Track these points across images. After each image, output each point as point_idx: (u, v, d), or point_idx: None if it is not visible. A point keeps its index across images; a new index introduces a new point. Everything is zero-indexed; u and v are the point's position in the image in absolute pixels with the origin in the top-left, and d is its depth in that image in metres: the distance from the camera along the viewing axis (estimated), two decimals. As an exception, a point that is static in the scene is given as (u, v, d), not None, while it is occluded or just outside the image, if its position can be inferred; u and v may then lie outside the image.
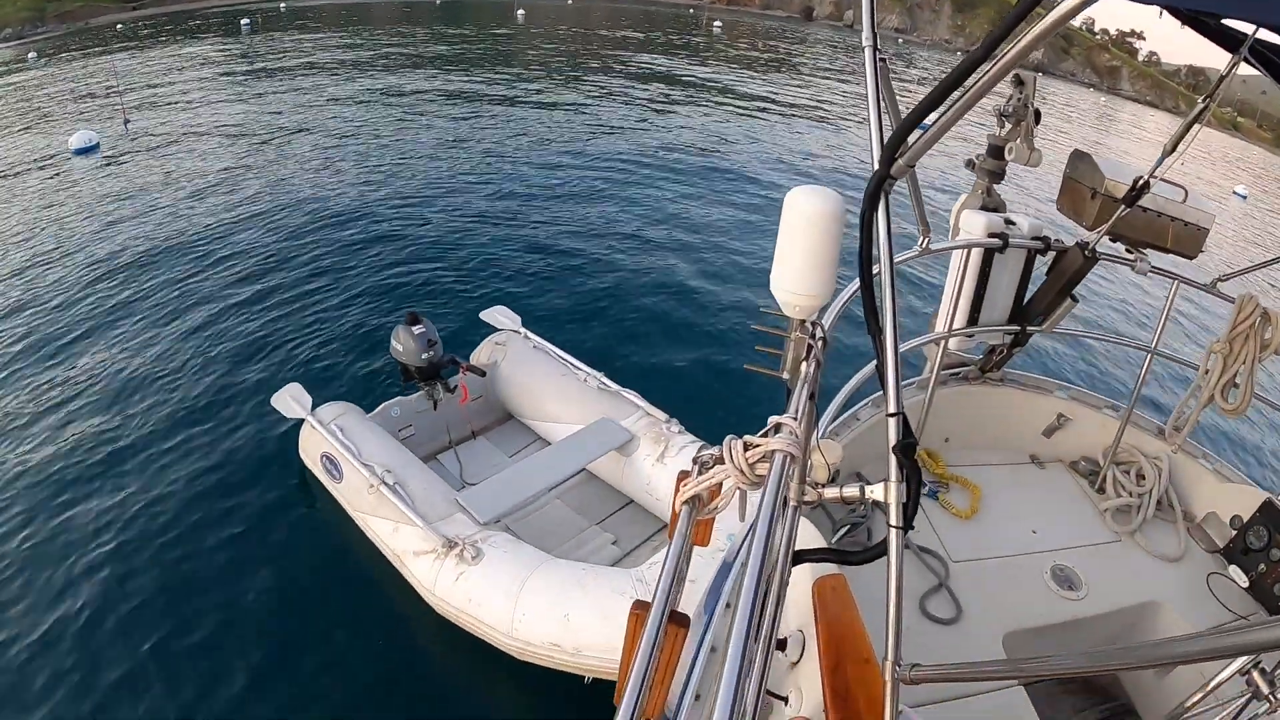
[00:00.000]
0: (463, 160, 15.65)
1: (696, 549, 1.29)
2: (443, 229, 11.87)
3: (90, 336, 8.69)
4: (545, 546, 4.77)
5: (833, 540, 2.86)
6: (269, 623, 4.95)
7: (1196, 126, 2.78)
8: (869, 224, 1.37)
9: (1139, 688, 2.87)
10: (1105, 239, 3.19)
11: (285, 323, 8.90)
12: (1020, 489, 3.42)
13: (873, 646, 1.64)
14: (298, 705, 4.46)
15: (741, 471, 1.18)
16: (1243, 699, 1.64)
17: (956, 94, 1.22)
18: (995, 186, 3.43)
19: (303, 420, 5.64)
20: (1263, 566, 2.92)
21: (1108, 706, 2.87)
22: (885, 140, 1.36)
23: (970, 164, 3.46)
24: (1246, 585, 2.95)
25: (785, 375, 1.55)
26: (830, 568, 1.93)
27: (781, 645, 1.88)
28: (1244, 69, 2.66)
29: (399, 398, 6.02)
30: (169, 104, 20.35)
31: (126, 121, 17.64)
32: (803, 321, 1.50)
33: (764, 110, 24.30)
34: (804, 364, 1.51)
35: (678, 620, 1.06)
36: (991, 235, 3.12)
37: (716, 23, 58.11)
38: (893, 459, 1.28)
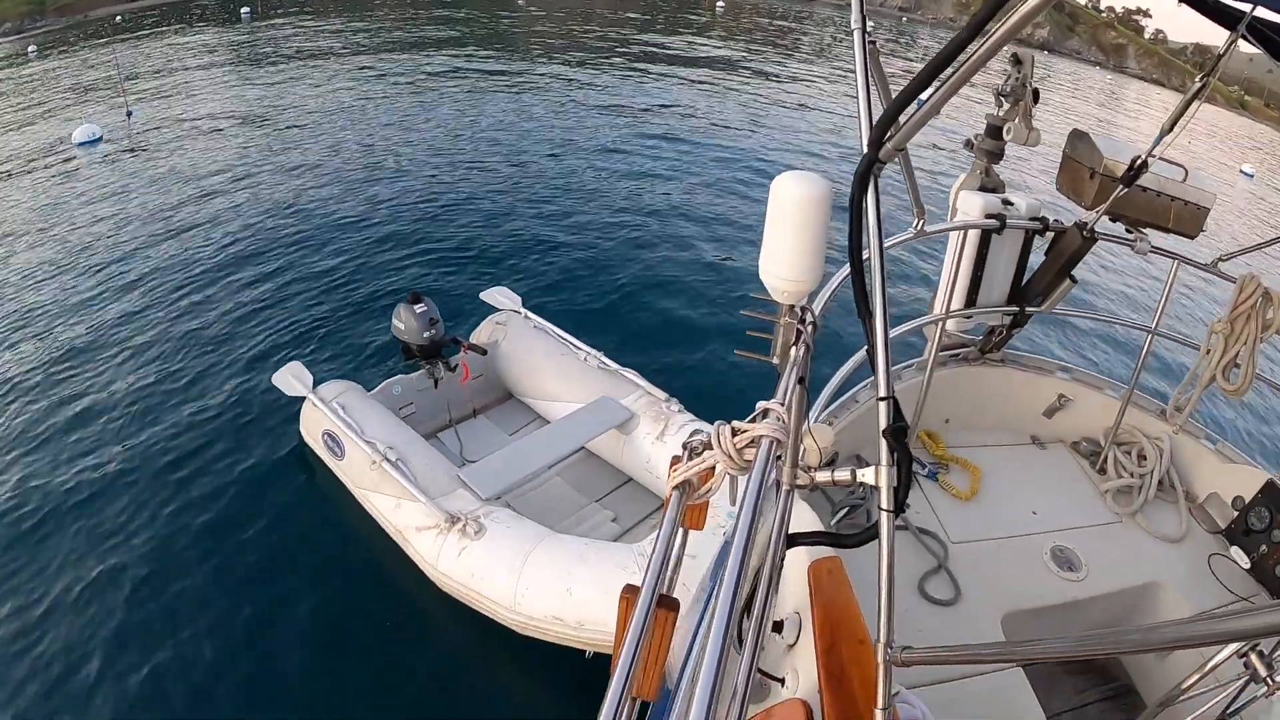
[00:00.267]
0: (463, 142, 15.54)
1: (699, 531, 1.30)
2: (445, 210, 11.82)
3: (93, 320, 8.71)
4: (546, 523, 4.79)
5: (832, 523, 2.86)
6: (271, 600, 4.98)
7: (1195, 105, 2.74)
8: (858, 208, 1.36)
9: (1140, 668, 2.87)
10: (1105, 219, 3.16)
11: (287, 302, 8.89)
12: (1021, 470, 3.40)
13: (868, 628, 1.65)
14: (302, 680, 4.50)
15: (729, 456, 1.19)
16: (1240, 681, 1.65)
17: (944, 76, 1.22)
18: (994, 167, 3.40)
19: (304, 399, 5.66)
20: (1264, 548, 2.90)
21: (1108, 687, 2.87)
22: (874, 124, 1.35)
23: (969, 144, 3.44)
24: (1248, 566, 2.94)
25: (775, 360, 1.55)
26: (827, 550, 1.93)
27: (778, 627, 1.89)
28: (1249, 48, 2.62)
29: (400, 376, 6.03)
30: (171, 95, 20.13)
31: (129, 113, 17.46)
32: (791, 307, 1.49)
33: (768, 89, 24.10)
34: (793, 349, 1.50)
35: (667, 604, 1.06)
36: (989, 216, 3.08)
37: (719, 1, 57.40)
38: (883, 443, 1.29)
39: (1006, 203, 3.20)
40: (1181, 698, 1.77)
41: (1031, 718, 2.26)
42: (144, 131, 16.52)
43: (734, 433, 1.20)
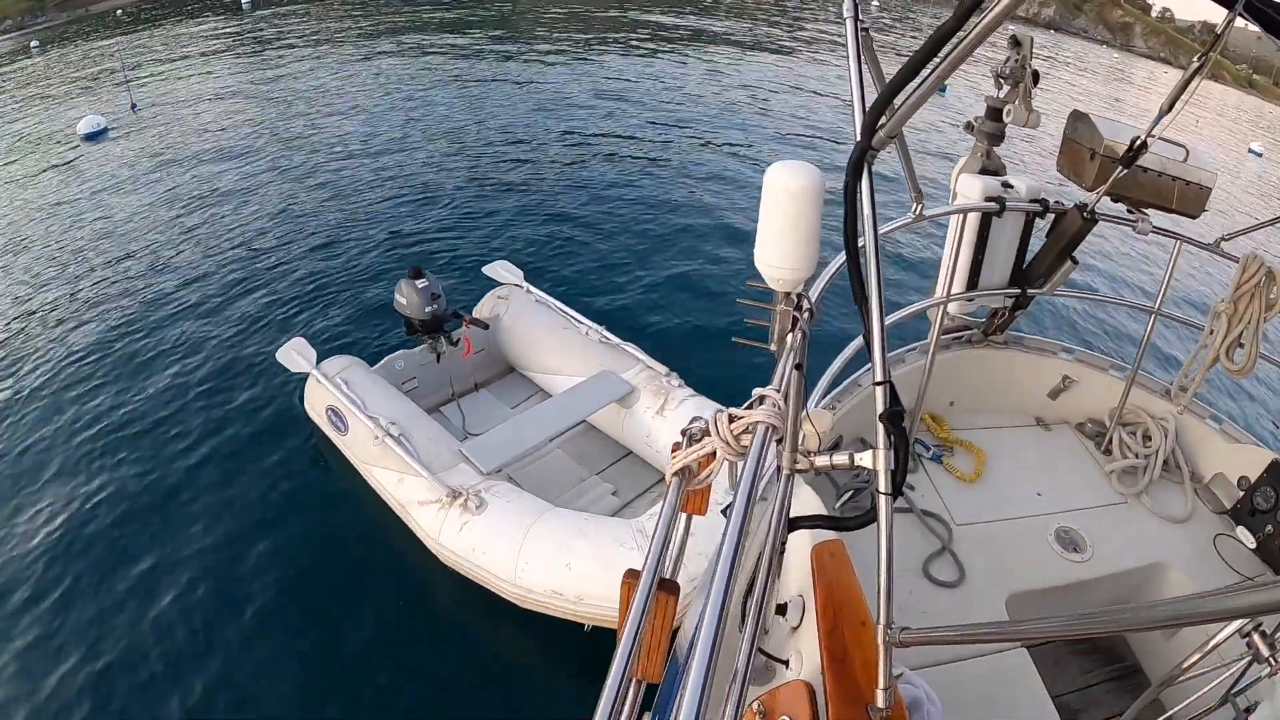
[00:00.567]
0: (466, 120, 15.40)
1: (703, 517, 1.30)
2: (447, 186, 11.75)
3: (100, 303, 8.75)
4: (546, 496, 4.79)
5: (836, 506, 2.84)
6: (275, 573, 5.00)
7: (1194, 84, 2.68)
8: (853, 195, 1.36)
9: (1146, 649, 2.84)
10: (1106, 200, 3.12)
11: (290, 279, 8.88)
12: (1025, 451, 3.36)
13: (870, 610, 1.63)
14: (304, 653, 4.54)
15: (727, 443, 1.19)
16: (1243, 661, 1.64)
17: (932, 64, 1.22)
18: (995, 149, 3.35)
19: (308, 374, 5.64)
20: (1270, 528, 2.86)
21: (1114, 668, 2.85)
22: (867, 112, 1.36)
23: (969, 126, 3.39)
24: (1254, 546, 2.90)
25: (773, 347, 1.54)
26: (830, 534, 1.93)
27: (782, 610, 1.89)
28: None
29: (402, 351, 6.00)
30: (175, 86, 19.81)
31: (133, 106, 17.24)
32: (788, 294, 1.49)
33: (774, 68, 23.77)
34: (790, 335, 1.50)
35: (668, 588, 1.06)
36: (988, 199, 3.03)
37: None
38: (880, 427, 1.29)
39: (1006, 185, 3.15)
40: (1182, 677, 1.74)
41: (1036, 699, 2.24)
42: (149, 122, 16.31)
43: (731, 419, 1.21)
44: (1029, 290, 3.35)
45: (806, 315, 1.50)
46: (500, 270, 6.86)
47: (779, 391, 1.28)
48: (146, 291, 8.88)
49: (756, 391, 1.27)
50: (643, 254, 9.55)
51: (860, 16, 1.59)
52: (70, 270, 9.70)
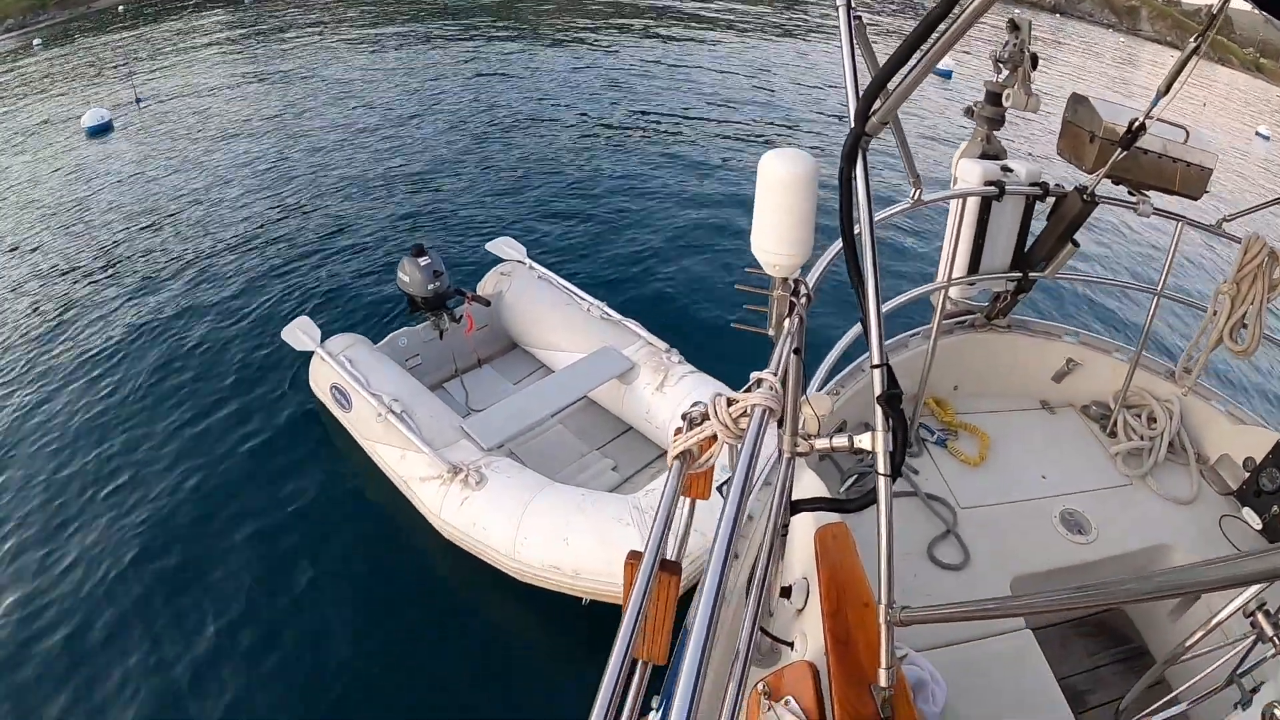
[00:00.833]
0: (468, 100, 15.30)
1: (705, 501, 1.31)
2: (449, 164, 11.71)
3: (108, 288, 8.82)
4: (548, 471, 4.79)
5: (840, 491, 2.84)
6: (279, 549, 5.04)
7: (1190, 65, 2.62)
8: (848, 181, 1.37)
9: (1153, 630, 2.81)
10: (1108, 182, 3.06)
11: (295, 259, 8.90)
12: (1030, 435, 3.32)
13: (872, 591, 1.63)
14: (308, 626, 4.57)
15: (726, 426, 1.20)
16: (1248, 641, 1.62)
17: (921, 51, 1.23)
18: (995, 133, 3.30)
19: (312, 353, 5.63)
20: (1275, 508, 2.82)
21: (1120, 649, 2.82)
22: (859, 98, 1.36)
23: (969, 111, 3.34)
24: (1259, 527, 2.86)
25: (771, 332, 1.54)
26: (834, 517, 1.92)
27: (786, 593, 1.89)
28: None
29: (406, 328, 5.99)
30: (179, 79, 19.59)
31: (138, 99, 17.06)
32: (784, 280, 1.48)
33: (784, 52, 23.46)
34: (787, 320, 1.49)
35: (670, 568, 1.07)
36: (988, 183, 2.99)
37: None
38: (878, 409, 1.31)
39: (1006, 169, 3.10)
40: (1185, 656, 1.73)
41: (1042, 680, 2.23)
42: (154, 116, 16.19)
43: (729, 403, 1.21)
44: (1030, 274, 3.30)
45: (804, 300, 1.50)
46: (503, 246, 6.81)
47: (776, 375, 1.28)
48: (153, 275, 8.94)
49: (754, 375, 1.27)
50: (648, 231, 9.48)
51: (852, 4, 1.58)
52: (78, 259, 9.75)
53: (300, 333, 5.75)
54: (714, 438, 1.21)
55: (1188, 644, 1.70)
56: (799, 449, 1.55)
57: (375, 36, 23.12)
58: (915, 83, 1.36)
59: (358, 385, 5.14)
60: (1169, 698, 1.86)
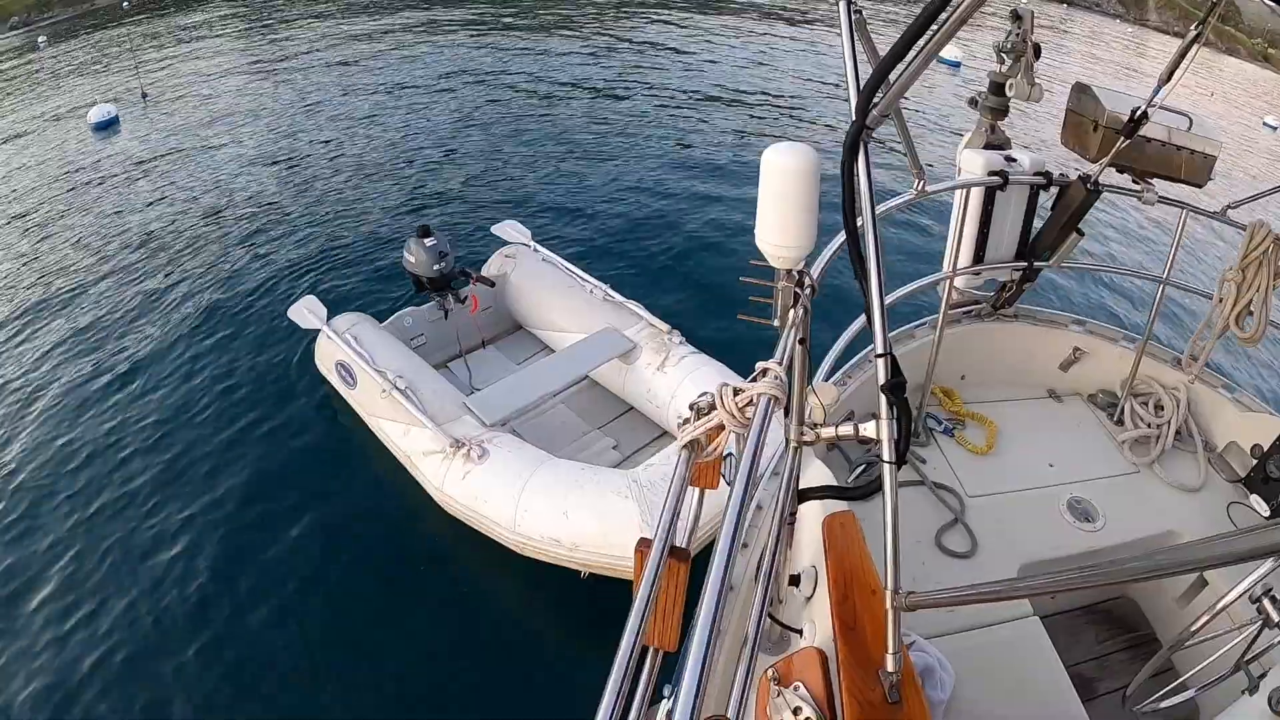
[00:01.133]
0: (477, 83, 15.25)
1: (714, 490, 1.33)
2: (456, 147, 11.68)
3: (116, 272, 8.84)
4: (550, 449, 4.78)
5: (849, 480, 2.83)
6: (282, 523, 5.05)
7: (1191, 53, 2.57)
8: (850, 174, 1.38)
9: (1161, 617, 2.79)
10: (1112, 171, 3.02)
11: (302, 241, 8.89)
12: (1037, 423, 3.30)
13: (880, 579, 1.63)
14: (311, 597, 4.60)
15: (732, 415, 1.21)
16: (1255, 626, 1.61)
17: (920, 43, 1.23)
18: (999, 124, 3.27)
19: (318, 331, 5.63)
20: None
21: (1129, 636, 2.80)
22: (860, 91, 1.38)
23: (973, 102, 3.31)
24: (1267, 514, 2.83)
25: (776, 323, 1.55)
26: (841, 505, 1.93)
27: (795, 581, 1.90)
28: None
29: (411, 308, 5.99)
30: (186, 73, 19.37)
31: (144, 94, 16.91)
32: (789, 271, 1.48)
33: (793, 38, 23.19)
34: (792, 311, 1.50)
35: (679, 555, 1.08)
36: (991, 173, 2.97)
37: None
38: (882, 398, 1.31)
39: (1009, 159, 3.09)
40: (1191, 641, 1.72)
41: (1050, 667, 2.22)
42: (161, 109, 16.07)
43: (735, 392, 1.23)
44: (1036, 263, 3.28)
45: (808, 291, 1.50)
46: (509, 230, 6.80)
47: (781, 365, 1.29)
48: (163, 258, 8.97)
49: (759, 365, 1.28)
50: (652, 213, 9.44)
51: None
52: (88, 247, 9.74)
53: (307, 311, 5.75)
54: (721, 427, 1.23)
55: (1193, 628, 1.69)
56: (805, 438, 1.56)
57: (382, 23, 22.97)
58: (915, 74, 1.37)
59: (362, 362, 5.14)
60: (1176, 683, 1.85)
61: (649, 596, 0.94)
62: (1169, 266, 3.07)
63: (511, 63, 17.13)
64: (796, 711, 1.37)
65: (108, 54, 24.21)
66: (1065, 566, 2.64)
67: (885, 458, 1.30)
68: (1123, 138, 2.81)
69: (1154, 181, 3.09)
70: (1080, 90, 3.12)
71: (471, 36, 20.26)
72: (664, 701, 1.11)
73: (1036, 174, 3.07)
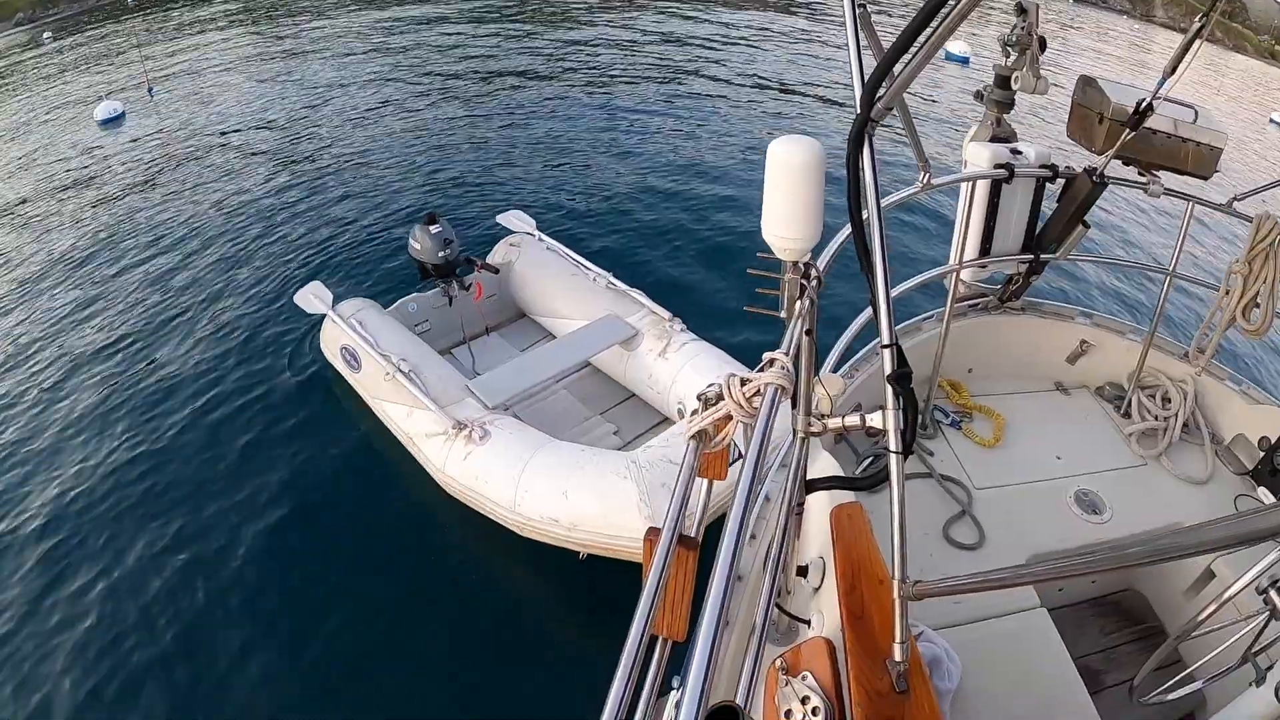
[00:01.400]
0: (484, 75, 15.23)
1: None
2: (463, 137, 11.68)
3: (124, 258, 8.90)
4: (551, 433, 4.76)
5: (856, 471, 2.83)
6: (286, 503, 5.06)
7: (1195, 45, 2.54)
8: (854, 166, 1.39)
9: (1168, 609, 2.78)
10: (1118, 163, 2.99)
11: (309, 225, 8.93)
12: (1044, 416, 3.29)
13: (887, 569, 1.64)
14: (314, 577, 4.60)
15: (739, 405, 1.21)
16: (1262, 618, 1.60)
17: (924, 36, 1.24)
18: (1005, 117, 3.27)
19: (324, 316, 5.63)
20: None
21: (1137, 629, 2.78)
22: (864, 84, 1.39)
23: (979, 95, 3.30)
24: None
25: (783, 314, 1.55)
26: (849, 496, 1.93)
27: (803, 571, 1.90)
28: None
29: (416, 294, 5.98)
30: (191, 67, 19.45)
31: (150, 90, 16.84)
32: (795, 263, 1.48)
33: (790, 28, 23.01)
34: (799, 303, 1.50)
35: (688, 544, 1.08)
36: (997, 166, 2.94)
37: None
38: (888, 388, 1.31)
39: (1015, 152, 3.06)
40: (1198, 633, 1.71)
41: (1057, 658, 2.21)
42: (167, 105, 16.06)
43: (743, 382, 1.23)
44: (1042, 256, 3.26)
45: (814, 283, 1.51)
46: (513, 219, 6.80)
47: (788, 355, 1.29)
48: (171, 245, 9.02)
49: (766, 355, 1.28)
50: (669, 210, 9.39)
51: None
52: (94, 240, 9.75)
53: (313, 296, 5.76)
54: (729, 417, 1.22)
55: (1199, 619, 1.67)
56: (812, 429, 1.56)
57: (388, 16, 22.90)
58: (919, 67, 1.38)
59: (367, 346, 5.14)
60: (1183, 675, 1.84)
61: (658, 584, 0.94)
62: (1175, 259, 3.06)
63: (519, 54, 17.11)
64: (805, 701, 1.38)
65: (112, 50, 24.24)
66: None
67: (892, 447, 1.31)
68: (1128, 130, 2.78)
69: (1160, 174, 3.06)
70: (1086, 83, 3.10)
71: (478, 28, 20.20)
72: (673, 692, 1.11)
73: (1042, 167, 3.05)
